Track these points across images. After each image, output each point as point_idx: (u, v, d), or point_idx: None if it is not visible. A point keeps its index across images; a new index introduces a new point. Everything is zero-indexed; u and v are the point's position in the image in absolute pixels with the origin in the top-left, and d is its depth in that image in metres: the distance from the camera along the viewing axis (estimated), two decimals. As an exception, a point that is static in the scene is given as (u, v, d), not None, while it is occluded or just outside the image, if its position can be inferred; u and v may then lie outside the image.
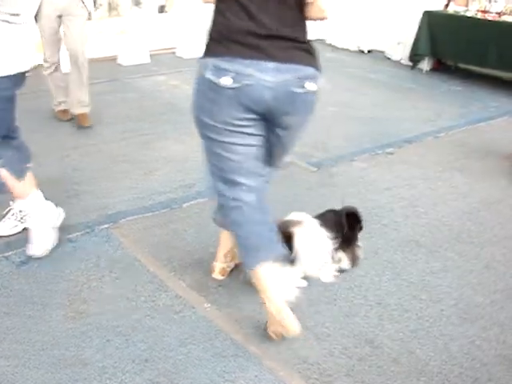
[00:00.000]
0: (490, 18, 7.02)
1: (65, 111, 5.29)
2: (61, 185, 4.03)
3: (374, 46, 8.98)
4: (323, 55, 8.44)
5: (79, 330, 2.59)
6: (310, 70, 2.34)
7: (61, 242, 3.29)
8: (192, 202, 3.81)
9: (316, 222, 2.94)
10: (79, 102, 5.10)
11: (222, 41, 2.19)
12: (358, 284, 3.03)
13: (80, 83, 5.04)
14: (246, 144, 2.36)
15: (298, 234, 2.79)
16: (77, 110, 5.16)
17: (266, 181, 2.65)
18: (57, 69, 5.11)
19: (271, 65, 2.18)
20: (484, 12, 7.18)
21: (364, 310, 2.83)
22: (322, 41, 9.74)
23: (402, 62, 8.28)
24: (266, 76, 2.18)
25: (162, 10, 8.71)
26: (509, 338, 2.67)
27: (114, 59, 7.68)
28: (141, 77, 7.06)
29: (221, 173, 2.45)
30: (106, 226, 3.49)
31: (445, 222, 3.72)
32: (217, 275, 3.04)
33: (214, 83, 2.19)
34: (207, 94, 2.23)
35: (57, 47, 5.00)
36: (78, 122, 5.18)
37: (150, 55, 7.87)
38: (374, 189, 4.15)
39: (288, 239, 2.70)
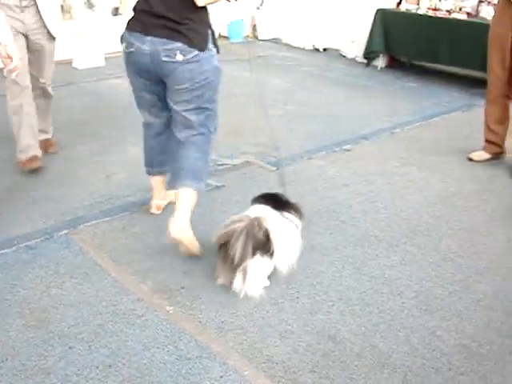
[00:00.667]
0: (440, 16, 7.16)
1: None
2: (17, 192, 3.97)
3: (329, 44, 9.07)
4: (279, 54, 8.58)
5: (40, 339, 2.55)
6: (178, 45, 2.96)
7: (19, 250, 3.24)
8: (151, 205, 3.79)
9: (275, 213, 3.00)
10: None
11: (130, 20, 3.12)
12: (320, 280, 3.06)
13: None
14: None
15: (273, 230, 2.82)
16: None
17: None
18: None
19: (148, 38, 2.99)
20: (434, 10, 7.33)
21: (326, 306, 2.85)
22: (278, 40, 9.80)
23: (357, 59, 8.38)
24: (143, 46, 3.01)
25: (115, 12, 8.62)
26: (467, 327, 2.73)
27: (69, 63, 7.58)
28: (96, 80, 6.99)
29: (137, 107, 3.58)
30: (65, 231, 3.45)
31: (403, 217, 3.78)
32: (154, 210, 3.69)
33: (123, 49, 3.16)
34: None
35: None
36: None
37: (105, 58, 7.78)
38: (332, 186, 4.19)
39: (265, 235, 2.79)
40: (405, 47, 7.60)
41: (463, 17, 7.04)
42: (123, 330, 2.62)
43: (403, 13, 7.57)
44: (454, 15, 7.11)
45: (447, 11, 7.22)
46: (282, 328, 2.68)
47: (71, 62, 7.62)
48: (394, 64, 8.06)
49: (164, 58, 3.00)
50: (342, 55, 8.75)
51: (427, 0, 7.48)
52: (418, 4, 7.59)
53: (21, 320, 2.68)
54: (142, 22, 3.01)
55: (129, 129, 5.22)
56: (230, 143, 4.91)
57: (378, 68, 7.94)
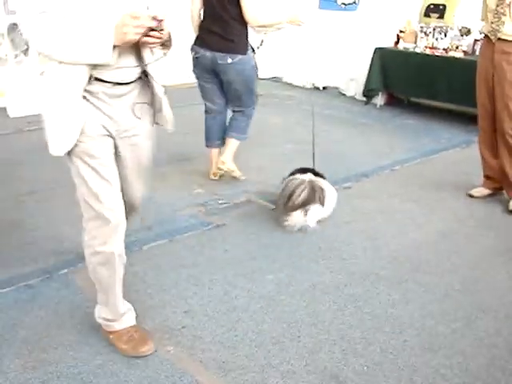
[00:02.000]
0: (437, 54, 7.26)
1: None
2: (17, 231, 3.97)
3: (329, 82, 9.16)
4: (279, 93, 8.64)
5: (39, 380, 2.52)
6: (228, 52, 4.47)
7: (19, 289, 3.23)
8: (152, 244, 3.79)
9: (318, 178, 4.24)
10: None
11: (196, 36, 4.73)
12: (321, 319, 3.04)
13: None
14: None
15: (327, 189, 4.14)
16: None
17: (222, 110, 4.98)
18: None
19: (209, 51, 4.54)
20: (432, 48, 7.42)
21: (328, 345, 2.83)
22: (277, 79, 9.90)
23: (356, 97, 8.46)
24: (206, 53, 4.55)
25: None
26: (471, 365, 2.70)
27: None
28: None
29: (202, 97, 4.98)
30: (65, 270, 3.44)
31: (404, 254, 3.77)
32: (212, 177, 5.02)
33: (192, 56, 4.74)
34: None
35: None
36: None
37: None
38: (333, 223, 4.19)
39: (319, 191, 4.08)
40: (403, 85, 7.68)
41: (460, 55, 7.13)
42: (123, 371, 2.60)
43: (401, 51, 7.68)
44: (451, 53, 7.20)
45: (444, 49, 7.31)
46: (284, 368, 2.65)
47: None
48: (393, 101, 8.14)
49: (219, 61, 4.50)
50: (341, 93, 8.84)
51: (424, 39, 7.58)
52: (415, 43, 7.68)
53: (19, 360, 2.65)
54: (203, 38, 4.59)
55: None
56: (232, 181, 4.94)
57: (377, 106, 8.02)
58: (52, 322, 2.95)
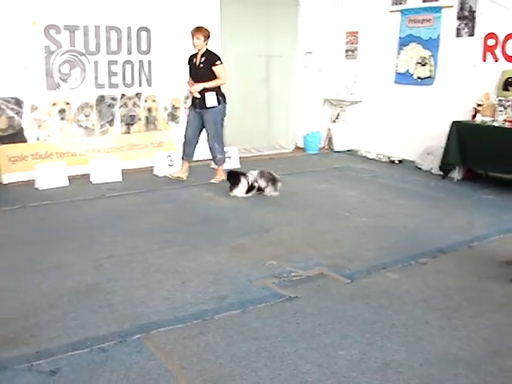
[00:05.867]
0: (517, 128, 7.13)
1: None
2: (95, 294, 4.08)
3: (405, 156, 9.13)
4: (354, 166, 8.74)
5: None
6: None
7: (93, 351, 3.29)
8: (224, 314, 3.79)
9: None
10: None
11: None
12: (395, 400, 2.93)
13: None
14: None
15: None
16: None
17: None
18: None
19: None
20: (511, 122, 7.30)
21: (401, 428, 2.72)
22: (353, 152, 9.96)
23: (433, 171, 8.36)
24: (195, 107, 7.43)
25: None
26: None
27: (150, 170, 7.96)
28: (176, 188, 7.26)
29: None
30: (138, 335, 3.49)
31: (483, 335, 3.61)
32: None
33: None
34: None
35: None
36: None
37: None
38: (408, 300, 4.08)
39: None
40: (481, 159, 7.54)
41: (540, 129, 6.97)
42: None
43: (479, 125, 7.59)
44: (531, 128, 7.06)
45: (524, 124, 7.18)
46: None
47: (152, 170, 7.98)
48: (471, 176, 7.99)
49: (199, 110, 7.26)
50: (417, 167, 8.77)
51: (503, 112, 7.48)
52: (493, 116, 7.60)
53: (90, 425, 2.67)
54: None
55: (204, 237, 5.34)
56: (305, 254, 4.93)
57: (455, 180, 7.89)
58: (123, 387, 2.98)
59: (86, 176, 7.70)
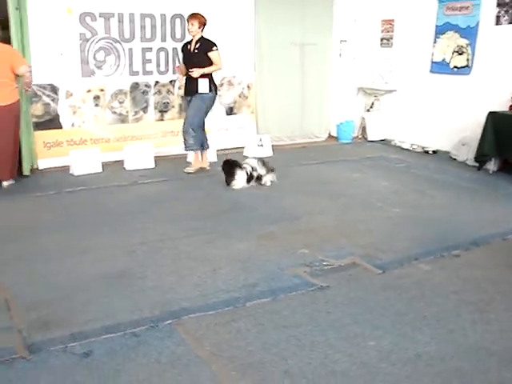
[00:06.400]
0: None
1: None
2: (127, 279, 4.13)
3: (439, 146, 9.01)
4: (388, 156, 8.63)
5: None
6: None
7: (125, 335, 3.34)
8: (255, 302, 3.81)
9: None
10: None
11: None
12: (425, 392, 2.91)
13: None
14: None
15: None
16: None
17: None
18: None
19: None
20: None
21: (431, 420, 2.70)
22: (387, 141, 9.86)
23: (468, 162, 8.23)
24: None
25: (230, 112, 9.08)
26: None
27: (183, 158, 7.99)
28: (208, 175, 7.29)
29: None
30: (169, 321, 3.53)
31: (516, 329, 3.57)
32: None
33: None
34: None
35: None
36: None
37: (218, 154, 8.13)
38: (440, 292, 4.04)
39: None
40: (518, 151, 7.41)
41: None
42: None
43: (516, 116, 7.44)
44: None
45: None
46: None
47: (185, 157, 8.01)
48: (507, 167, 7.84)
49: (189, 97, 7.31)
50: (452, 158, 8.64)
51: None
52: (532, 107, 7.45)
53: (122, 408, 2.72)
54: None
55: (234, 224, 5.35)
56: (337, 243, 4.91)
57: (490, 171, 7.75)
58: (153, 371, 3.02)
59: (120, 162, 7.78)
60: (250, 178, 6.73)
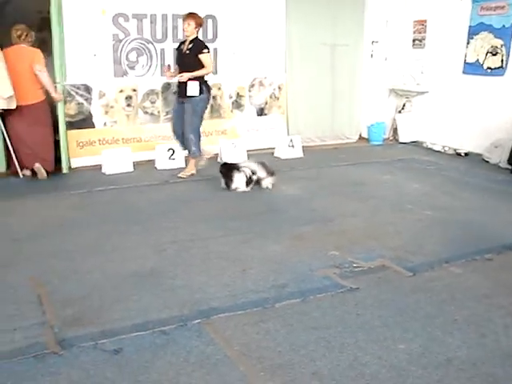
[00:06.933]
0: None
1: None
2: (157, 278, 4.16)
3: (471, 148, 8.89)
4: (419, 158, 8.56)
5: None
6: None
7: (154, 334, 3.36)
8: (284, 303, 3.80)
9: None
10: None
11: None
12: (456, 397, 2.88)
13: None
14: None
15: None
16: None
17: None
18: None
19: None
20: None
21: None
22: (418, 143, 9.78)
23: (501, 165, 8.11)
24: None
25: (261, 112, 9.09)
26: None
27: (212, 157, 8.03)
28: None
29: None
30: (198, 320, 3.54)
31: (550, 335, 3.50)
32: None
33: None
34: None
35: None
36: None
37: (248, 155, 8.14)
38: (472, 296, 3.99)
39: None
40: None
41: None
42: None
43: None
44: None
45: None
46: None
47: (216, 157, 8.04)
48: (542, 171, 7.72)
49: (181, 99, 7.05)
50: (484, 160, 8.53)
51: None
52: None
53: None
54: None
55: (270, 226, 5.35)
56: (367, 245, 4.88)
57: (524, 175, 7.64)
58: (182, 370, 3.03)
59: (151, 162, 7.84)
60: (249, 181, 6.59)
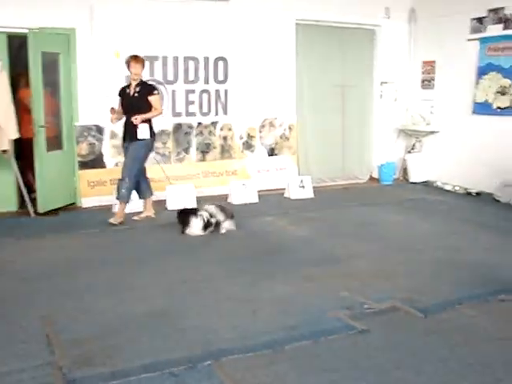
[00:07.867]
0: None
1: None
2: (167, 318, 4.14)
3: (483, 188, 8.87)
4: (430, 198, 8.52)
5: None
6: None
7: (163, 375, 3.32)
8: (295, 344, 3.76)
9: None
10: None
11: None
12: None
13: None
14: None
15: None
16: None
17: None
18: None
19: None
20: None
21: None
22: (429, 183, 9.77)
23: (512, 204, 8.09)
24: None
25: (271, 152, 9.15)
26: None
27: (223, 198, 8.05)
28: (249, 216, 7.30)
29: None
30: (208, 362, 3.50)
31: None
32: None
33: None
34: None
35: None
36: None
37: (259, 195, 8.16)
38: (486, 338, 3.93)
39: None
40: None
41: None
42: None
43: None
44: None
45: None
46: None
47: (226, 197, 8.05)
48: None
49: (127, 143, 6.94)
50: (495, 200, 8.49)
51: None
52: None
53: None
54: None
55: (280, 266, 5.33)
56: (378, 286, 4.84)
57: (536, 214, 7.60)
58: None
59: (162, 202, 7.87)
60: (207, 225, 6.51)
